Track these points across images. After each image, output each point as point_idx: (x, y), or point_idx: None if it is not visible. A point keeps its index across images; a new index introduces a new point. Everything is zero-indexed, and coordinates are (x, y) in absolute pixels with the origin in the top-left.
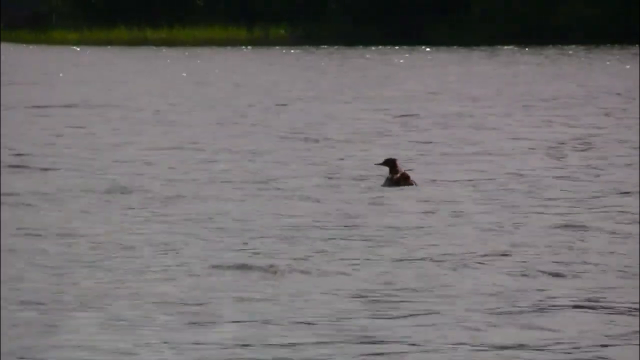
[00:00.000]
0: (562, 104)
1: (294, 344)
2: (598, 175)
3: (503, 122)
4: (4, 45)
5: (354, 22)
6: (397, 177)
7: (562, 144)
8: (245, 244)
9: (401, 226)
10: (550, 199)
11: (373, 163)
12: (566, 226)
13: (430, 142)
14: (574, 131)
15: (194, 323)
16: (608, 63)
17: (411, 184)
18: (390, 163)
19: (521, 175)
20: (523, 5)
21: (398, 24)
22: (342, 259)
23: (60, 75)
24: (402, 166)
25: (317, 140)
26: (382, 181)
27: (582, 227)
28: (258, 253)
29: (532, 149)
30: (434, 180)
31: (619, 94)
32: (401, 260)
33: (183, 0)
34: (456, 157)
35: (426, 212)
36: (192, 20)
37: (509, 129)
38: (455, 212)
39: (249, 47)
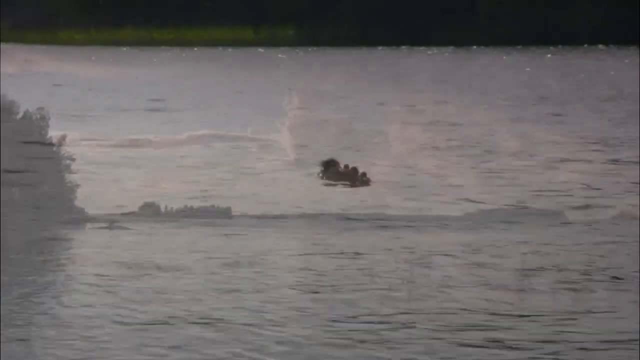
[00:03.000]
0: None
1: None
2: None
3: None
4: (12, 45)
5: (362, 24)
6: (345, 170)
7: None
8: None
9: None
10: None
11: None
12: None
13: None
14: None
15: None
16: None
17: (367, 183)
18: (331, 163)
19: None
20: (530, 6)
21: (404, 25)
22: None
23: None
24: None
25: None
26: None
27: None
28: None
29: None
30: None
31: None
32: None
33: (190, 1)
34: None
35: None
36: (198, 21)
37: None
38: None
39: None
